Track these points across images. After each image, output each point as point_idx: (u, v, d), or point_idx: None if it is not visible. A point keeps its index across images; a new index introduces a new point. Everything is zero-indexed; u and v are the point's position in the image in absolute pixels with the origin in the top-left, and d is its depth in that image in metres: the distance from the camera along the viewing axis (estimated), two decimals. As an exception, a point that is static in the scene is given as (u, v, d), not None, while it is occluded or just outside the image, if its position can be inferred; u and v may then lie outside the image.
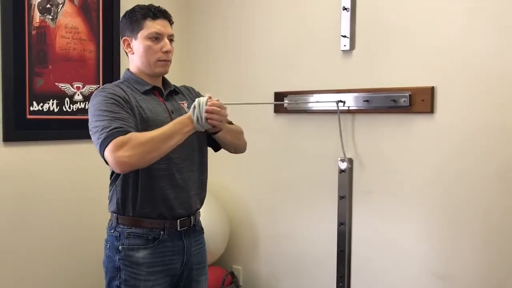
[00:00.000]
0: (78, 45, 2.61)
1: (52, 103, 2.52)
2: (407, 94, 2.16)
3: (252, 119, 2.67)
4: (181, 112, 1.80)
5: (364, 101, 2.30)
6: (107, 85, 1.79)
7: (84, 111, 2.60)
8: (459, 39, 2.07)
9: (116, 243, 1.76)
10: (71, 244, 2.58)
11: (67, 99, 2.57)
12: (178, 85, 1.98)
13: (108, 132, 1.59)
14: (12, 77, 2.36)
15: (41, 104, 2.48)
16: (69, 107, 2.58)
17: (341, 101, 2.35)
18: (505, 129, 1.97)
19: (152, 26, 1.77)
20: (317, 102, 2.45)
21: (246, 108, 2.64)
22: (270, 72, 2.71)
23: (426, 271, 2.19)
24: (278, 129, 2.69)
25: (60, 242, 2.55)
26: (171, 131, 1.63)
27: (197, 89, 2.01)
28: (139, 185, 1.73)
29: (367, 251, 2.37)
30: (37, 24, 2.45)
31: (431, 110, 2.14)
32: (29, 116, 2.44)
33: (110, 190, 1.80)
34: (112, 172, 1.77)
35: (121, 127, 1.61)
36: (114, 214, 1.79)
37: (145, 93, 1.80)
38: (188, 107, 1.81)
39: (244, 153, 2.00)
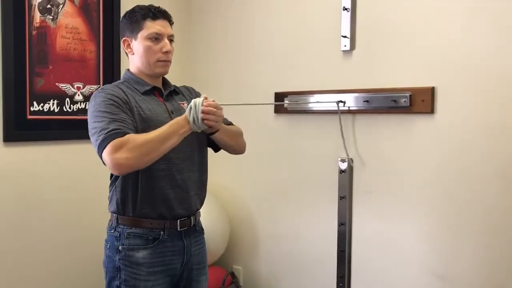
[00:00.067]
0: (79, 45, 2.61)
1: (53, 103, 2.52)
2: (407, 95, 2.16)
3: (253, 119, 2.67)
4: (181, 112, 1.80)
5: (364, 101, 2.30)
6: (107, 86, 1.79)
7: (84, 111, 2.60)
8: (459, 39, 2.07)
9: (116, 243, 1.76)
10: (71, 244, 2.59)
11: (67, 99, 2.58)
12: (178, 85, 1.98)
13: (106, 134, 1.60)
14: (12, 77, 2.36)
15: (42, 104, 2.48)
16: (70, 107, 2.58)
17: (341, 101, 2.35)
18: (505, 129, 1.97)
19: (152, 26, 1.77)
20: (318, 102, 2.45)
21: (246, 108, 2.64)
22: (270, 72, 2.71)
23: (426, 271, 2.19)
24: (278, 129, 2.69)
25: (60, 242, 2.55)
26: (167, 133, 1.64)
27: (197, 89, 2.01)
28: (139, 185, 1.73)
29: (367, 251, 2.37)
30: (38, 24, 2.45)
31: (431, 110, 2.13)
32: (29, 116, 2.44)
33: (110, 191, 1.80)
34: (112, 173, 1.77)
35: (119, 129, 1.61)
36: (114, 214, 1.79)
37: (145, 93, 1.80)
38: (188, 107, 1.82)
39: (245, 153, 2.00)
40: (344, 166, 2.40)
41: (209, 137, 1.84)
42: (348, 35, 2.37)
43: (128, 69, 1.87)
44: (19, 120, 2.40)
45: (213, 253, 2.68)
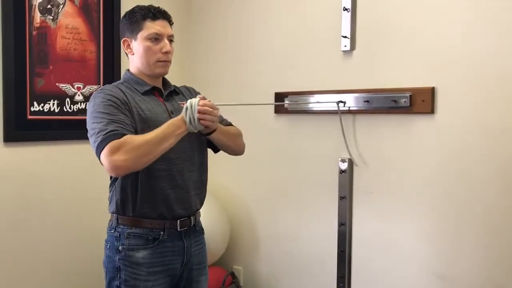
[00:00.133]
0: (79, 45, 2.61)
1: (53, 104, 2.52)
2: (408, 95, 2.16)
3: (253, 119, 2.67)
4: (180, 112, 1.80)
5: (364, 101, 2.30)
6: (106, 86, 1.79)
7: (84, 111, 2.60)
8: (459, 39, 2.07)
9: (116, 243, 1.76)
10: (71, 244, 2.59)
11: (67, 99, 2.58)
12: (178, 85, 1.98)
13: (104, 135, 1.60)
14: (12, 77, 2.36)
15: (42, 104, 2.48)
16: (70, 108, 2.58)
17: (341, 102, 2.35)
18: (505, 129, 1.97)
19: (152, 26, 1.77)
20: (318, 102, 2.45)
21: (246, 108, 2.65)
22: (270, 72, 2.71)
23: (426, 271, 2.19)
24: (278, 129, 2.69)
25: (60, 242, 2.55)
26: (164, 134, 1.64)
27: (197, 89, 2.01)
28: (139, 185, 1.73)
29: (368, 251, 2.37)
30: (38, 25, 2.45)
31: (431, 110, 2.13)
32: (29, 117, 2.44)
33: (110, 191, 1.80)
34: (112, 173, 1.77)
35: (116, 130, 1.61)
36: (114, 215, 1.79)
37: (145, 93, 1.80)
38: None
39: (245, 153, 2.00)
40: (344, 166, 2.40)
41: (207, 137, 1.84)
42: (348, 35, 2.37)
43: (128, 70, 1.87)
44: (19, 120, 2.40)
45: (213, 253, 2.68)
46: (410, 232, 2.23)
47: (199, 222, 1.92)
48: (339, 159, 2.42)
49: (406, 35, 2.21)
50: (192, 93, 1.97)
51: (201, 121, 1.67)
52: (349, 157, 2.39)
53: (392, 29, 2.25)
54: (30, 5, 2.42)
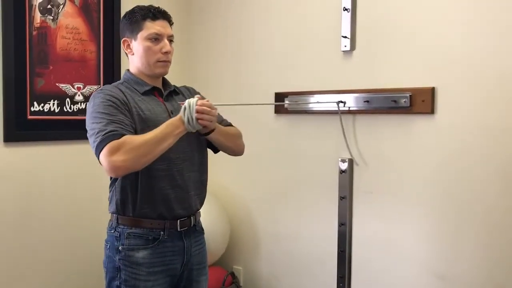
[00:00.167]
0: (79, 45, 2.61)
1: (53, 104, 2.52)
2: (408, 95, 2.16)
3: (253, 119, 2.67)
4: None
5: (364, 101, 2.30)
6: (106, 86, 1.79)
7: (84, 111, 2.59)
8: (459, 39, 2.07)
9: (116, 243, 1.76)
10: (71, 244, 2.59)
11: (67, 99, 2.58)
12: (178, 85, 1.98)
13: (103, 135, 1.60)
14: (13, 77, 2.36)
15: (42, 104, 2.48)
16: (70, 108, 2.59)
17: (341, 102, 2.35)
18: (505, 129, 1.97)
19: (152, 27, 1.77)
20: (318, 102, 2.45)
21: (246, 108, 2.65)
22: (270, 72, 2.71)
23: (426, 271, 2.19)
24: (278, 129, 2.69)
25: (60, 242, 2.55)
26: (163, 134, 1.64)
27: (197, 90, 2.01)
28: (138, 185, 1.73)
29: (368, 252, 2.37)
30: (38, 25, 2.45)
31: (431, 110, 2.13)
32: (29, 117, 2.44)
33: (110, 191, 1.80)
34: (112, 173, 1.77)
35: (116, 130, 1.61)
36: (114, 215, 1.79)
37: (145, 93, 1.80)
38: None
39: (245, 153, 2.00)
40: (344, 166, 2.40)
41: (205, 137, 1.84)
42: (348, 35, 2.37)
43: (128, 70, 1.87)
44: (20, 120, 2.40)
45: (213, 253, 2.68)
46: (410, 232, 2.23)
47: (199, 222, 1.92)
48: (339, 159, 2.42)
49: (406, 35, 2.21)
50: (192, 93, 1.97)
51: (199, 121, 1.67)
52: (349, 157, 2.39)
53: (392, 29, 2.25)
54: (30, 5, 2.42)
